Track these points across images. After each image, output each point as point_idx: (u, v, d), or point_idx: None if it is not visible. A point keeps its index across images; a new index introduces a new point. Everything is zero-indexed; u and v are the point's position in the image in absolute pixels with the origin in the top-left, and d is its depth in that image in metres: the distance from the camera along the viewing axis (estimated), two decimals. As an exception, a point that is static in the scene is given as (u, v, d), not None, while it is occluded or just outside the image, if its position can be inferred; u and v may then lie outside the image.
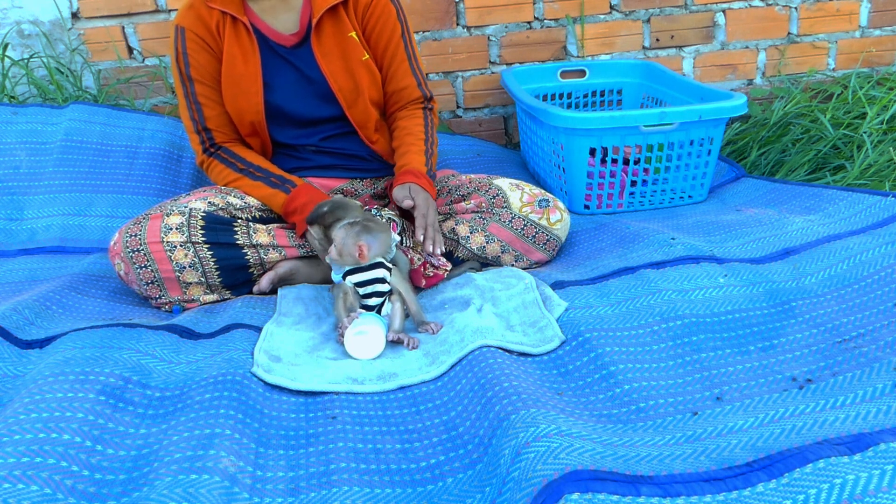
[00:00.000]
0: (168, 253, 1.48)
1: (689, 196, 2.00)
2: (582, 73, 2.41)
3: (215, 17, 1.62)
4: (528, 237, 1.63)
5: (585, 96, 2.42)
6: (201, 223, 1.52)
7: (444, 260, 1.54)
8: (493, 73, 2.46)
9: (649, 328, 1.26)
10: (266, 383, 1.19)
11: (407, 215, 1.62)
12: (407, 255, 1.53)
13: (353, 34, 1.66)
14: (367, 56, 1.68)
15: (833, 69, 2.59)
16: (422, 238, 1.49)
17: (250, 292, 1.59)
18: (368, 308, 1.38)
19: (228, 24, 1.62)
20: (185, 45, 1.62)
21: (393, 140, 1.73)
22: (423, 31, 2.38)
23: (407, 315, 1.42)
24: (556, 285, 1.48)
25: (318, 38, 1.65)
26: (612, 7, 2.43)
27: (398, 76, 1.73)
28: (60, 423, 1.00)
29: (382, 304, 1.39)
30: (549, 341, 1.26)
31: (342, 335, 1.31)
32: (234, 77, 1.63)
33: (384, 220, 1.51)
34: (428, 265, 1.53)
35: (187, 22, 1.62)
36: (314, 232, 1.52)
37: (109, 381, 1.12)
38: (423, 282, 1.54)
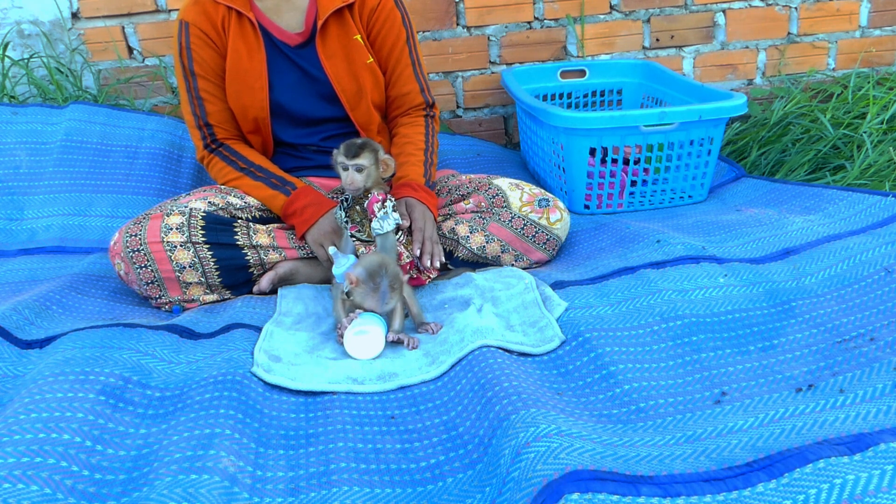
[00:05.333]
0: (168, 253, 1.48)
1: (689, 196, 2.00)
2: (582, 73, 2.41)
3: (221, 11, 1.62)
4: (527, 237, 1.63)
5: (585, 96, 2.42)
6: (201, 223, 1.52)
7: (431, 268, 1.53)
8: (493, 73, 2.45)
9: (649, 328, 1.25)
10: (266, 383, 1.19)
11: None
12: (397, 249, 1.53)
13: (358, 37, 1.66)
14: (372, 59, 1.68)
15: (833, 69, 2.59)
16: (419, 252, 1.50)
17: (250, 292, 1.59)
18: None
19: (234, 20, 1.63)
20: (189, 41, 1.63)
21: (393, 146, 1.73)
22: (423, 31, 2.38)
23: (406, 315, 1.42)
24: (556, 285, 1.48)
25: (322, 40, 1.65)
26: (612, 7, 2.43)
27: (401, 81, 1.74)
28: (60, 423, 1.00)
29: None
30: (549, 341, 1.26)
31: (342, 335, 1.31)
32: (238, 73, 1.63)
33: (388, 208, 1.50)
34: (412, 266, 1.53)
35: (192, 17, 1.62)
36: (365, 160, 1.50)
37: (109, 381, 1.12)
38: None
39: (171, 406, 1.12)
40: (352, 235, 1.53)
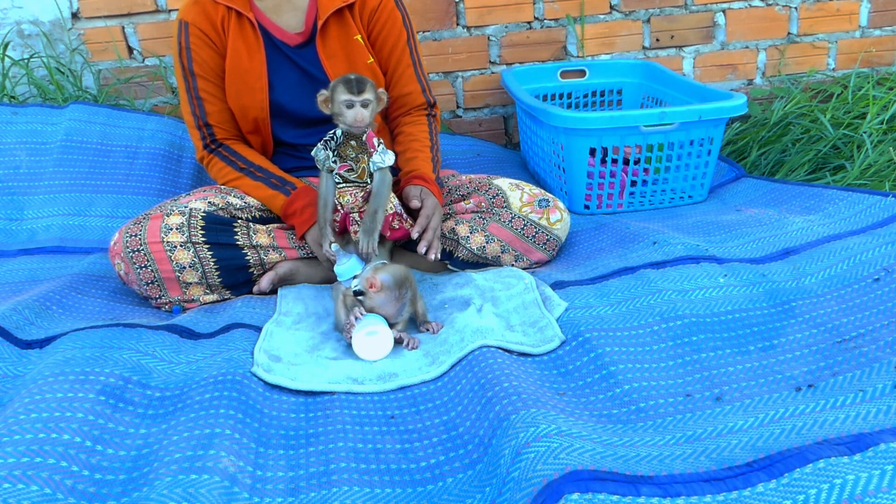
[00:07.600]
0: (168, 253, 1.48)
1: (689, 196, 2.00)
2: (582, 73, 2.41)
3: (220, 11, 1.62)
4: (528, 237, 1.63)
5: (585, 96, 2.42)
6: (201, 223, 1.52)
7: (427, 259, 1.52)
8: (493, 73, 2.45)
9: (649, 328, 1.26)
10: (266, 383, 1.19)
11: (411, 213, 1.61)
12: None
13: (359, 37, 1.66)
14: (372, 59, 1.68)
15: (833, 69, 2.59)
16: (416, 236, 1.49)
17: (250, 292, 1.59)
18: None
19: (234, 20, 1.62)
20: (189, 40, 1.63)
21: (397, 145, 1.73)
22: (423, 31, 2.38)
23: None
24: (556, 285, 1.48)
25: (323, 40, 1.65)
26: (612, 7, 2.43)
27: (402, 81, 1.74)
28: (60, 423, 1.00)
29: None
30: (550, 341, 1.26)
31: (349, 335, 1.31)
32: (238, 73, 1.63)
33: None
34: (396, 217, 1.51)
35: (191, 17, 1.62)
36: (370, 94, 1.42)
37: (109, 381, 1.12)
38: (388, 233, 1.52)
39: (171, 406, 1.12)
40: (340, 177, 1.48)
